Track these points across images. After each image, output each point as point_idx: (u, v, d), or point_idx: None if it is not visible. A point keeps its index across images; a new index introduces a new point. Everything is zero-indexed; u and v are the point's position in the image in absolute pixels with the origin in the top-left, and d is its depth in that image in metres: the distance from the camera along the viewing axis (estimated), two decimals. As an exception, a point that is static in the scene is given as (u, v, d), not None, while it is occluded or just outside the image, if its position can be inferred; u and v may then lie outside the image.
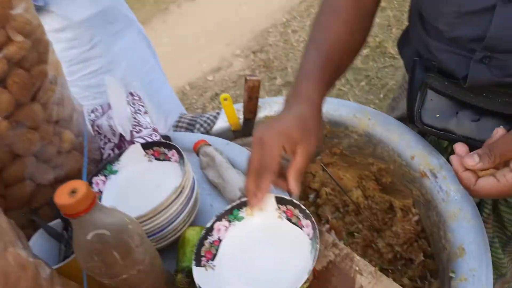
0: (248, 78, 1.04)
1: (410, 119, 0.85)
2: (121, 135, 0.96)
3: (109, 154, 0.97)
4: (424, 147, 0.93)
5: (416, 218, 1.01)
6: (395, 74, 2.63)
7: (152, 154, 0.87)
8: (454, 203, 0.83)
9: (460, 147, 0.63)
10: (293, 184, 0.69)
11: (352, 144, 1.10)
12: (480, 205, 0.86)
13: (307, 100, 0.74)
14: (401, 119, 1.04)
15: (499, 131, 0.62)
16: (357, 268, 0.69)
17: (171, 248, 0.84)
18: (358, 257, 0.70)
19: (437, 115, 0.79)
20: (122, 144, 0.96)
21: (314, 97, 0.75)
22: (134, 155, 0.86)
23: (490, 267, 0.73)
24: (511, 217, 0.82)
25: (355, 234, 1.07)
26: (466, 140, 0.77)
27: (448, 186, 0.86)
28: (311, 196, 1.15)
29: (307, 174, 1.20)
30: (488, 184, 0.59)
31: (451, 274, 0.75)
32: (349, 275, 0.69)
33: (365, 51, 2.71)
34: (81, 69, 1.40)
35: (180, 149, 0.85)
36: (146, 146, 0.88)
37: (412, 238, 1.00)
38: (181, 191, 0.78)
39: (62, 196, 0.53)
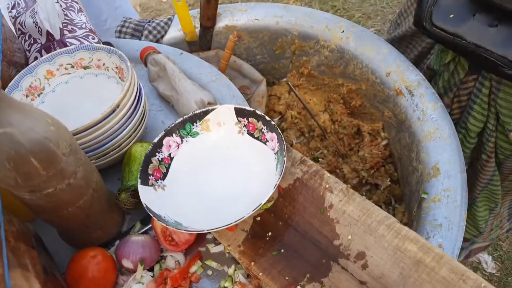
0: (207, -27, 0.88)
1: (417, 19, 0.72)
2: (48, 34, 0.78)
3: (36, 58, 0.80)
4: (402, 62, 0.84)
5: (384, 142, 0.96)
6: (362, 6, 2.51)
7: None
8: (431, 122, 0.76)
9: None
10: None
11: (322, 63, 0.99)
12: (482, 142, 0.79)
13: None
14: (404, 35, 0.94)
15: None
16: (327, 186, 0.62)
17: (116, 167, 0.73)
18: (328, 174, 0.63)
19: (451, 15, 0.68)
20: (50, 44, 0.79)
21: None
22: None
23: (465, 187, 0.68)
24: (504, 145, 0.76)
25: (320, 159, 1.00)
26: (476, 48, 0.67)
27: (425, 104, 0.79)
28: (276, 120, 1.05)
29: (272, 96, 1.10)
30: None
31: (423, 195, 0.70)
32: (318, 193, 0.61)
33: (332, -20, 2.53)
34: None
35: (123, 56, 0.70)
36: None
37: (379, 163, 0.94)
38: (119, 105, 0.65)
39: None
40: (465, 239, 0.63)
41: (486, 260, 1.71)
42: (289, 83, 0.99)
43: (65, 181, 0.51)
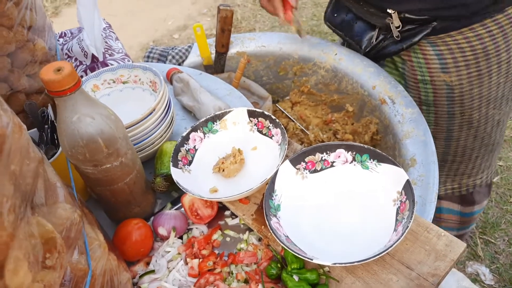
0: (221, 7, 1.07)
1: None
2: (93, 56, 0.96)
3: (81, 76, 0.98)
4: (384, 78, 1.01)
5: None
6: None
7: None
8: (409, 123, 0.92)
9: None
10: None
11: (319, 81, 1.17)
12: None
13: None
14: None
15: None
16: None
17: (148, 163, 0.88)
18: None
19: (335, 15, 1.04)
20: (94, 65, 0.97)
21: None
22: None
23: (436, 174, 0.82)
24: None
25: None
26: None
27: (404, 110, 0.95)
28: (279, 130, 1.21)
29: (276, 111, 1.27)
30: None
31: (403, 181, 0.85)
32: (315, 175, 0.76)
33: None
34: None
35: (157, 71, 0.88)
36: None
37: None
38: (155, 109, 0.82)
39: (49, 73, 0.55)
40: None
41: (484, 272, 1.80)
42: (278, 105, 1.16)
43: (119, 159, 0.66)
